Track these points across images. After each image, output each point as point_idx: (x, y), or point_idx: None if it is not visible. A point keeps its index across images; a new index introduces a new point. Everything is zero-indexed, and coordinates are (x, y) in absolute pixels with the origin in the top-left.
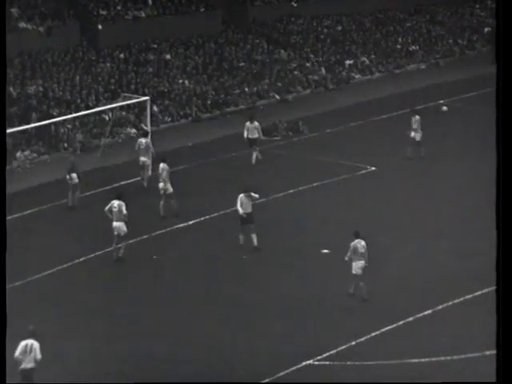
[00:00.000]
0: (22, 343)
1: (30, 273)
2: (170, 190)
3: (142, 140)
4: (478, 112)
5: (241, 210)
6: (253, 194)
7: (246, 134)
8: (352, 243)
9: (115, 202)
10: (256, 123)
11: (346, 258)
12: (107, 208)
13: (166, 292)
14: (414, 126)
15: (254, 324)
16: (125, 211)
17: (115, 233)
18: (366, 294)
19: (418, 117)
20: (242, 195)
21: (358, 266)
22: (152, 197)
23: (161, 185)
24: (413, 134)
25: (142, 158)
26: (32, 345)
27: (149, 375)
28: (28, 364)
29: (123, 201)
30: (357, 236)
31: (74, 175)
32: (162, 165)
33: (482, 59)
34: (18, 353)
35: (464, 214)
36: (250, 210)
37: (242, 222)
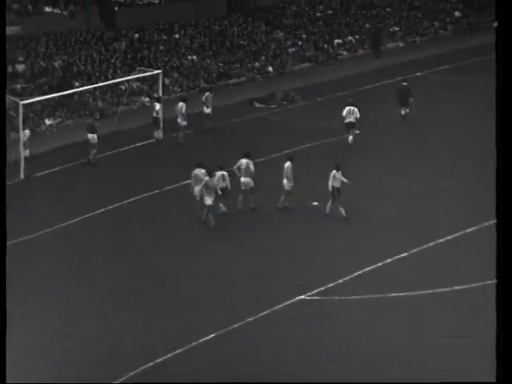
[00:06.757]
0: (347, 108)
1: (56, 222)
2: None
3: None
4: (455, 82)
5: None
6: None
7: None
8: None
9: (243, 161)
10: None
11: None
12: (236, 166)
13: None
14: (206, 101)
15: (254, 263)
16: (253, 169)
17: (242, 188)
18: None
19: (208, 93)
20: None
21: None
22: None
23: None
24: (204, 108)
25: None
26: (354, 109)
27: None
28: (349, 119)
29: (251, 159)
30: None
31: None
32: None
33: (454, 38)
34: (344, 113)
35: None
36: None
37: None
